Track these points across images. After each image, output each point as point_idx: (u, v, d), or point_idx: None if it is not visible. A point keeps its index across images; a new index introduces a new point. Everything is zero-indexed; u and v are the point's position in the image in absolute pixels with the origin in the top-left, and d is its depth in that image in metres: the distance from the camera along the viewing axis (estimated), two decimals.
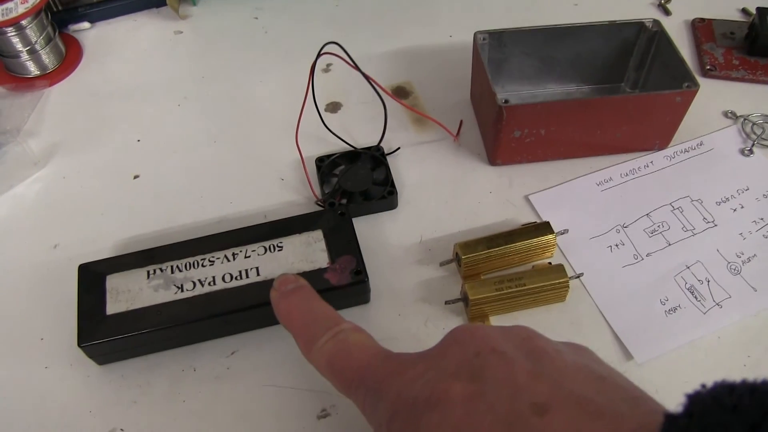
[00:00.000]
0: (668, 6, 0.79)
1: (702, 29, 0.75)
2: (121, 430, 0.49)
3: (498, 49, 0.64)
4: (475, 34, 0.62)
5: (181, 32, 0.79)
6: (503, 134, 0.59)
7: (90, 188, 0.64)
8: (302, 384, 0.50)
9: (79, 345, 0.49)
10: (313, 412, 0.49)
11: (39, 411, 0.50)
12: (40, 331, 0.54)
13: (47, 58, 0.73)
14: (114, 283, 0.51)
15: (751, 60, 0.71)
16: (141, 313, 0.50)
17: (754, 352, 0.52)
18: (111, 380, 0.51)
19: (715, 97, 0.69)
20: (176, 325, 0.50)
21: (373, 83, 0.57)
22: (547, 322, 0.53)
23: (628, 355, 0.51)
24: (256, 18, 0.80)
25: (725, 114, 0.67)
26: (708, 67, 0.71)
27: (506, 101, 0.56)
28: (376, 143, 0.63)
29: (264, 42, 0.77)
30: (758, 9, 0.71)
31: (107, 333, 0.49)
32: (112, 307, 0.50)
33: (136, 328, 0.49)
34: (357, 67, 0.57)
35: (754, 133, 0.65)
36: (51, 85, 0.73)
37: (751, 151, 0.64)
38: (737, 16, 0.78)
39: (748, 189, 0.61)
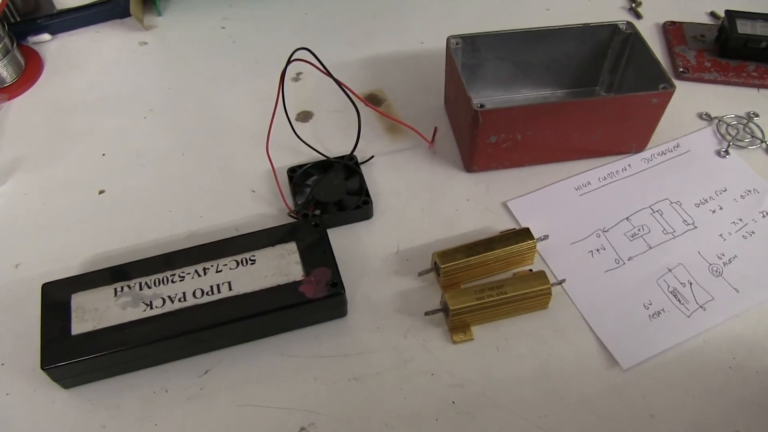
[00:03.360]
0: (639, 9, 0.79)
1: (673, 32, 0.75)
2: None
3: (471, 54, 0.63)
4: (448, 39, 0.61)
5: (146, 43, 0.77)
6: (479, 140, 0.58)
7: (53, 205, 0.61)
8: (279, 402, 0.48)
9: (42, 368, 0.46)
10: (292, 431, 0.47)
11: None
12: (1, 356, 0.51)
13: (5, 71, 0.70)
14: (79, 301, 0.49)
15: (722, 62, 0.71)
16: (108, 332, 0.47)
17: (739, 353, 0.51)
18: (78, 405, 0.49)
19: (689, 99, 0.68)
20: (146, 343, 0.47)
21: (345, 89, 0.56)
22: (529, 330, 0.52)
23: (613, 362, 0.50)
24: (224, 27, 0.78)
25: (700, 116, 0.67)
26: (681, 69, 0.71)
27: (482, 106, 0.55)
28: (349, 152, 0.61)
29: (232, 51, 0.76)
30: (727, 12, 0.71)
31: (73, 354, 0.47)
32: (78, 327, 0.48)
33: (103, 347, 0.47)
34: (329, 73, 0.55)
35: (729, 135, 0.65)
36: (10, 98, 0.70)
37: (727, 152, 0.64)
38: (706, 19, 0.78)
39: (725, 190, 0.61)
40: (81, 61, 0.75)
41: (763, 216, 0.59)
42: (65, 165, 0.64)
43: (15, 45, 0.71)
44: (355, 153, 0.61)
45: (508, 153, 0.60)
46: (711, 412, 0.48)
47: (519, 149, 0.60)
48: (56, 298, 0.50)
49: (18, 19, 0.75)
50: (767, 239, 0.57)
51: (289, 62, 0.54)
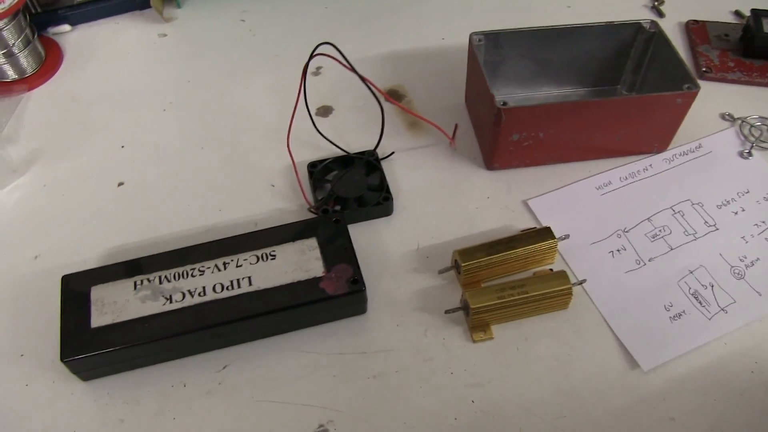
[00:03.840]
0: (662, 8, 0.78)
1: (696, 31, 0.74)
2: None
3: (494, 51, 0.63)
4: (470, 36, 0.61)
5: (166, 35, 0.77)
6: (501, 137, 0.57)
7: (72, 196, 0.61)
8: (298, 399, 0.48)
9: (62, 360, 0.46)
10: (310, 428, 0.47)
11: None
12: (20, 347, 0.51)
13: (26, 62, 0.70)
14: (99, 294, 0.49)
15: (746, 62, 0.70)
16: (128, 325, 0.47)
17: (761, 357, 0.50)
18: (96, 398, 0.49)
19: (711, 100, 0.68)
20: (165, 337, 0.47)
21: (369, 84, 0.56)
22: (549, 330, 0.52)
23: (633, 364, 0.50)
24: (243, 20, 0.78)
25: (722, 116, 0.67)
26: (704, 69, 0.70)
27: (505, 103, 0.55)
28: (369, 148, 0.61)
29: (251, 45, 0.75)
30: (753, 11, 0.70)
31: (92, 347, 0.47)
32: (98, 320, 0.48)
33: (122, 341, 0.47)
34: (353, 69, 0.55)
35: (753, 136, 0.64)
36: (30, 89, 0.70)
37: (750, 154, 0.63)
38: (730, 18, 0.77)
39: (748, 192, 0.60)
40: (100, 52, 0.75)
41: None
42: (84, 157, 0.64)
43: (35, 36, 0.71)
44: (376, 149, 0.61)
45: (530, 151, 0.59)
46: (731, 416, 0.48)
47: (541, 148, 0.59)
48: (76, 291, 0.50)
49: (39, 10, 0.75)
50: None
51: (312, 56, 0.54)
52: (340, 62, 0.54)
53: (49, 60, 0.73)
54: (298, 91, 0.56)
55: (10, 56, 0.69)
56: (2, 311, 0.53)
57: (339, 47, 0.55)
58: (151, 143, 0.65)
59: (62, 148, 0.65)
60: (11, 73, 0.70)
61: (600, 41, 0.63)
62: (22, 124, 0.67)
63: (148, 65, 0.74)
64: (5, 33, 0.67)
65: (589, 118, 0.57)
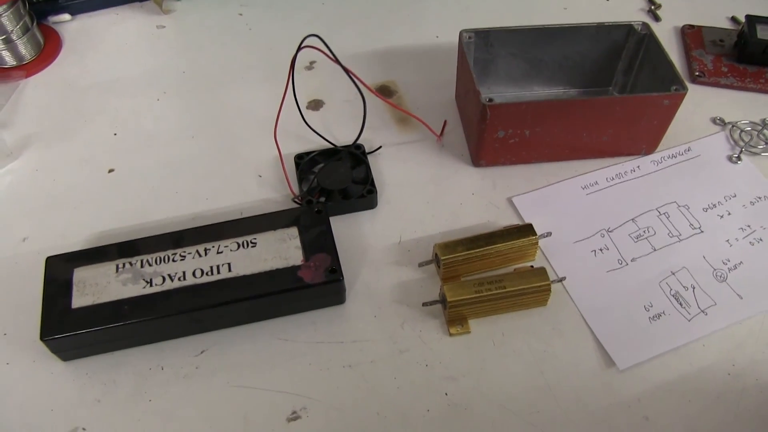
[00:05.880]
0: (658, 12, 0.78)
1: (691, 36, 0.74)
2: (83, 429, 0.47)
3: (484, 49, 0.63)
4: (460, 33, 0.61)
5: (164, 27, 0.78)
6: (487, 134, 0.58)
7: (63, 181, 0.62)
8: (272, 385, 0.49)
9: (41, 339, 0.47)
10: (283, 414, 0.47)
11: None
12: (3, 326, 0.52)
13: (24, 49, 0.71)
14: (81, 276, 0.50)
15: (740, 67, 0.70)
16: (107, 307, 0.48)
17: (739, 360, 0.50)
18: (75, 377, 0.49)
19: (703, 104, 0.68)
20: (144, 320, 0.48)
21: (353, 77, 0.56)
22: (527, 326, 0.52)
23: (609, 362, 0.50)
24: (241, 14, 0.79)
25: (713, 120, 0.67)
26: (697, 73, 0.70)
27: (490, 100, 0.55)
28: (358, 142, 0.62)
29: (247, 38, 0.76)
30: (747, 17, 0.70)
31: (72, 327, 0.47)
32: (78, 301, 0.48)
33: (101, 322, 0.48)
34: (337, 61, 0.55)
35: (742, 140, 0.64)
36: (27, 76, 0.71)
37: (738, 158, 0.63)
38: (726, 24, 0.77)
39: (735, 196, 0.60)
40: (99, 42, 0.76)
41: None
42: (77, 143, 0.65)
43: (35, 24, 0.72)
44: (361, 142, 0.62)
45: (516, 149, 0.60)
46: (707, 418, 0.48)
47: (527, 146, 0.59)
48: (59, 272, 0.50)
49: None
50: None
51: (299, 49, 0.54)
52: (326, 54, 0.55)
53: (48, 48, 0.74)
54: (286, 84, 0.57)
55: (8, 42, 0.70)
56: None
57: (335, 42, 0.56)
58: (143, 131, 0.66)
59: (56, 134, 0.66)
60: (9, 60, 0.71)
61: (591, 42, 0.64)
62: (18, 110, 0.68)
63: (145, 56, 0.74)
64: (3, 19, 0.68)
65: (575, 117, 0.58)
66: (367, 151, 0.61)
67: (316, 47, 0.55)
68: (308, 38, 0.54)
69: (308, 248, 0.51)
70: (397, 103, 0.68)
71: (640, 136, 0.61)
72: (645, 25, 0.62)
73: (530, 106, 0.56)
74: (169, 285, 0.49)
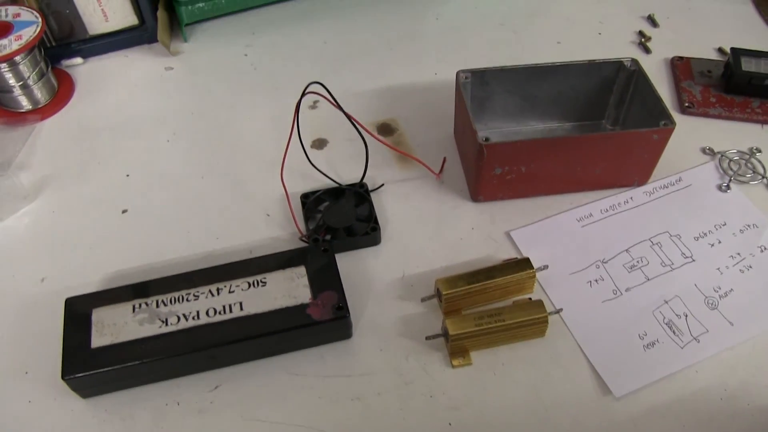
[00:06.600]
0: (648, 45, 0.81)
1: (681, 67, 0.77)
2: None
3: (481, 87, 0.66)
4: (457, 73, 0.64)
5: (172, 68, 0.80)
6: (484, 171, 0.60)
7: (79, 222, 0.65)
8: (284, 418, 0.51)
9: (63, 378, 0.49)
10: None
11: None
12: (25, 365, 0.54)
13: (39, 93, 0.74)
14: (100, 316, 0.52)
15: (727, 97, 0.73)
16: (126, 346, 0.50)
17: (731, 385, 0.52)
18: (95, 414, 0.52)
19: (693, 134, 0.70)
20: (160, 358, 0.50)
21: (354, 122, 0.59)
22: (526, 356, 0.54)
23: (606, 390, 0.52)
24: (246, 54, 0.82)
25: (703, 150, 0.69)
26: (686, 104, 0.73)
27: (487, 139, 0.57)
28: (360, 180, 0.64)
29: (253, 78, 0.79)
30: (732, 49, 0.73)
31: (92, 366, 0.50)
32: (98, 341, 0.51)
33: (120, 360, 0.50)
34: (339, 107, 0.58)
35: (731, 170, 0.67)
36: (43, 119, 0.74)
37: (728, 187, 0.65)
38: (714, 55, 0.80)
39: (725, 224, 0.63)
40: (110, 84, 0.79)
41: (762, 251, 0.61)
42: (91, 184, 0.68)
43: (49, 68, 0.75)
44: (365, 181, 0.64)
45: (513, 184, 0.62)
46: None
47: (523, 181, 0.62)
48: (78, 312, 0.53)
49: (53, 44, 0.79)
50: (764, 273, 0.59)
51: (303, 95, 0.57)
52: (328, 100, 0.57)
53: (62, 91, 0.77)
54: (291, 126, 0.59)
55: (25, 88, 0.73)
56: (10, 330, 0.57)
57: (336, 81, 0.58)
58: (154, 172, 0.69)
59: (71, 176, 0.69)
60: (26, 104, 0.74)
61: (583, 78, 0.66)
62: (34, 152, 0.71)
63: (155, 97, 0.77)
64: (21, 67, 0.71)
65: (568, 153, 0.60)
66: (370, 189, 0.64)
67: (318, 93, 0.57)
68: (312, 85, 0.57)
69: (315, 286, 0.53)
70: (398, 139, 0.70)
71: (632, 169, 0.64)
72: (634, 61, 0.65)
73: (525, 144, 0.59)
74: (183, 324, 0.51)
